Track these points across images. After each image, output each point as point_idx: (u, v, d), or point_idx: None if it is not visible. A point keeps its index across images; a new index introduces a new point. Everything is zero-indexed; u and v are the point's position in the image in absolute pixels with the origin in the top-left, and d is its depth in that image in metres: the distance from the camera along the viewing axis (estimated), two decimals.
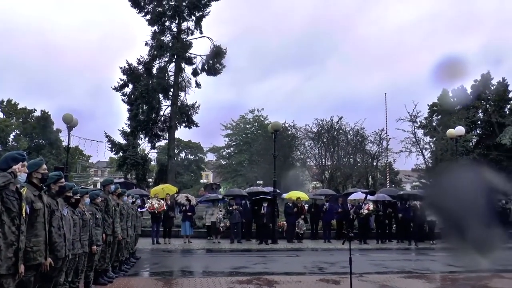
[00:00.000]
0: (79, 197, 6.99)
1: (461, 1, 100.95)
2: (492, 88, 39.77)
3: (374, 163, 35.76)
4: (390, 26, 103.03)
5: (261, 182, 35.93)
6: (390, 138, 35.26)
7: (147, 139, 33.83)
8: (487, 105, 39.69)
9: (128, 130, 32.79)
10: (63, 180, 6.08)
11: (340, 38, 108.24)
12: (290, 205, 20.55)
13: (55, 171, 6.39)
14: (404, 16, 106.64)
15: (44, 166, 5.34)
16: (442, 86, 38.27)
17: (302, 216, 20.83)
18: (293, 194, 21.87)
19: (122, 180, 31.38)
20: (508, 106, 39.01)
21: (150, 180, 38.53)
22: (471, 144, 38.98)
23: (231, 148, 54.87)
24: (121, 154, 32.62)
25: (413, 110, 34.35)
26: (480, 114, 39.94)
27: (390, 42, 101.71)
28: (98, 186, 45.50)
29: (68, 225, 6.02)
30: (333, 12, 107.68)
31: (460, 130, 25.15)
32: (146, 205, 18.74)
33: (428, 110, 41.14)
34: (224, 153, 56.19)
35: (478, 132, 40.59)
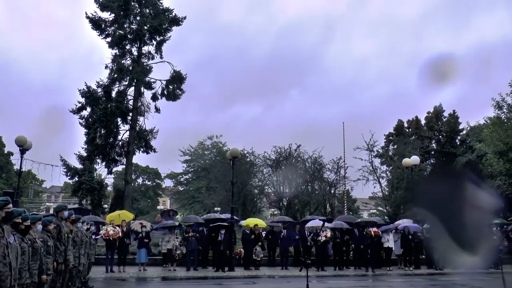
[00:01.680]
0: (29, 224, 6.73)
1: (417, 38, 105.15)
2: (444, 120, 41.26)
3: (332, 191, 36.21)
4: (351, 58, 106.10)
5: (219, 209, 35.71)
6: (347, 167, 35.91)
7: (104, 163, 33.07)
8: (440, 136, 41.06)
9: (85, 154, 32.00)
10: (10, 205, 5.84)
11: (303, 69, 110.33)
12: (248, 232, 20.49)
13: (3, 196, 6.15)
14: (364, 50, 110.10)
15: None
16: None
17: (260, 243, 20.77)
18: (250, 221, 21.87)
19: (76, 206, 30.47)
20: (459, 137, 40.44)
21: (106, 206, 37.60)
22: (425, 173, 40.08)
23: (189, 174, 54.56)
24: (76, 179, 31.73)
25: (370, 139, 35.27)
26: (434, 145, 41.21)
27: (350, 74, 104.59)
28: (51, 211, 44.00)
29: (15, 254, 5.77)
30: (297, 44, 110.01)
31: (415, 159, 26.02)
32: (101, 231, 18.27)
33: (385, 140, 42.20)
34: (182, 179, 55.77)
35: (432, 161, 41.84)
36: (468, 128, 40.41)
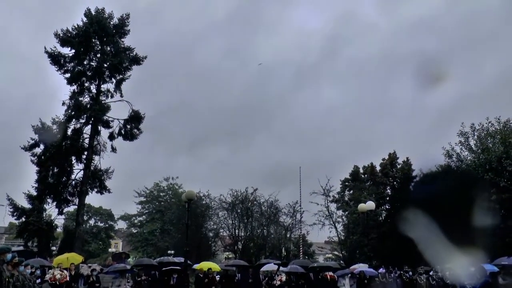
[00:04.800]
0: None
1: (379, 91, 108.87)
2: (398, 166, 42.23)
3: (288, 235, 36.23)
4: (318, 106, 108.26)
5: (173, 252, 34.97)
6: (303, 211, 36.10)
7: (55, 203, 31.86)
8: (394, 182, 41.91)
9: (35, 193, 30.81)
10: None
11: (271, 115, 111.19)
12: (201, 275, 20.02)
13: None
14: (331, 99, 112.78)
15: None
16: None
17: (213, 287, 20.29)
18: (204, 265, 21.43)
19: (21, 248, 29.08)
20: (412, 184, 41.38)
21: (54, 248, 36.06)
22: (380, 218, 40.61)
23: (144, 216, 53.48)
24: (23, 219, 30.29)
25: (326, 184, 35.76)
26: (388, 190, 41.98)
27: (316, 121, 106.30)
28: None
29: None
30: (267, 90, 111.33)
31: (370, 205, 26.47)
32: (47, 276, 17.42)
33: (341, 185, 42.68)
34: (136, 221, 54.58)
35: (387, 207, 42.49)
36: (421, 175, 41.45)
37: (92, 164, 32.41)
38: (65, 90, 32.45)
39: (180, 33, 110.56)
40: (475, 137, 31.63)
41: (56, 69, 32.46)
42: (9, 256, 9.04)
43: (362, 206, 26.89)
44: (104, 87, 33.37)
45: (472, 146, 31.65)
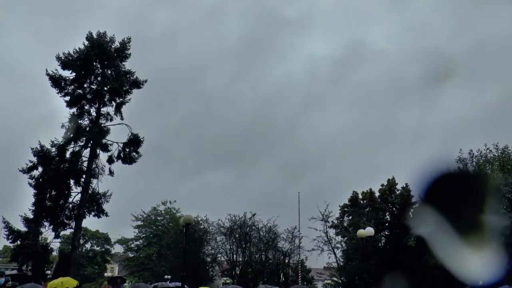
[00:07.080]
0: None
1: (385, 116, 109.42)
2: (397, 192, 42.07)
3: (286, 260, 35.93)
4: (324, 131, 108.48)
5: (169, 276, 34.60)
6: (302, 236, 35.90)
7: (51, 227, 31.51)
8: (394, 208, 41.69)
9: (31, 216, 30.53)
10: None
11: (277, 140, 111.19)
12: None
13: None
14: (338, 124, 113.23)
15: None
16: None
17: None
18: None
19: (15, 272, 28.63)
20: (412, 210, 41.18)
21: (49, 272, 35.60)
22: (380, 244, 40.26)
23: (140, 240, 53.13)
24: (19, 242, 29.94)
25: (325, 210, 35.64)
26: (388, 216, 41.74)
27: (321, 147, 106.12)
28: None
29: None
30: (274, 115, 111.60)
31: (369, 230, 26.30)
32: None
33: (340, 211, 42.48)
34: (132, 245, 54.21)
35: (387, 233, 42.19)
36: (420, 201, 41.23)
37: (90, 187, 32.22)
38: (65, 113, 32.50)
39: (192, 56, 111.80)
40: (474, 163, 31.60)
41: (57, 91, 32.60)
42: (2, 280, 8.90)
43: (361, 232, 26.72)
44: (104, 110, 33.39)
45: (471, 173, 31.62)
